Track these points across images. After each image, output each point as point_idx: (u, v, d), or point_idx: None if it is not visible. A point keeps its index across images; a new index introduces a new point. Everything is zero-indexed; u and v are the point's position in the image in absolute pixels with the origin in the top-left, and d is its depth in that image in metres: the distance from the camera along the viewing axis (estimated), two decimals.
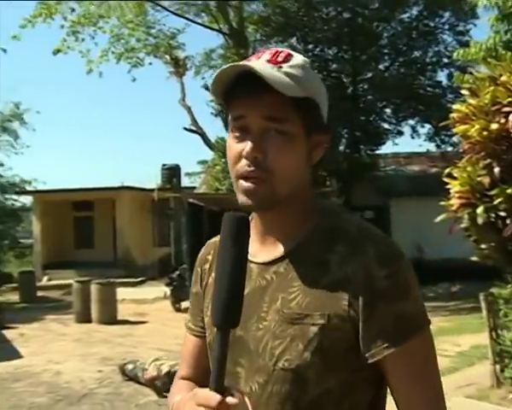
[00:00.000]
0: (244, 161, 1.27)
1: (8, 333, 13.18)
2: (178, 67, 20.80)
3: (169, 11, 19.22)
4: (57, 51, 18.46)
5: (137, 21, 18.27)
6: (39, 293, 20.01)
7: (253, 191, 1.27)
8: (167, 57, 20.37)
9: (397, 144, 28.97)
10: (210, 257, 1.50)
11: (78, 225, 26.25)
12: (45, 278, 23.03)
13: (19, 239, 27.09)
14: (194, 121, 20.69)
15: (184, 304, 14.60)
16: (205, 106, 20.47)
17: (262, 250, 1.37)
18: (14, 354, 11.04)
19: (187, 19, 19.59)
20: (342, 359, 1.25)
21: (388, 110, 21.29)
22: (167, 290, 16.33)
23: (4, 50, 22.93)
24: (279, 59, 1.29)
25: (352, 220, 1.35)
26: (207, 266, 1.50)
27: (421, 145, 32.09)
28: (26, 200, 27.36)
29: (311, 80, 1.32)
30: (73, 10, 18.21)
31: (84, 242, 25.73)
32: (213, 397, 1.12)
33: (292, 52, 1.35)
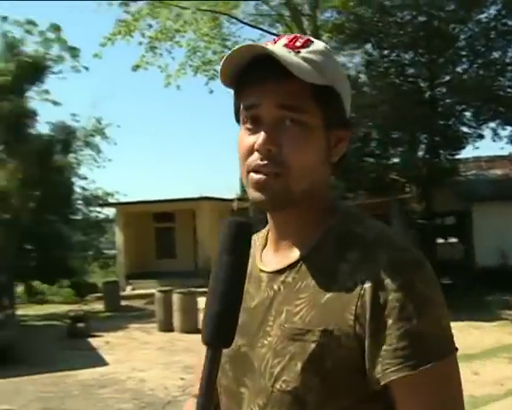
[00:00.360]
0: (256, 155, 1.13)
1: (93, 341, 13.59)
2: None
3: (243, 23, 19.43)
4: (136, 67, 18.99)
5: (213, 34, 18.57)
6: (123, 302, 20.56)
7: (265, 186, 1.12)
8: None
9: (478, 148, 28.26)
10: None
11: (159, 236, 26.83)
12: (128, 288, 23.65)
13: (102, 250, 28.00)
14: None
15: None
16: None
17: (274, 258, 1.23)
18: (99, 361, 11.37)
19: (261, 29, 19.77)
20: (347, 383, 1.07)
21: (468, 113, 20.76)
22: None
23: (86, 68, 23.86)
24: (297, 44, 1.16)
25: (370, 226, 1.16)
26: None
27: (503, 148, 31.11)
28: (109, 212, 28.21)
29: (333, 68, 1.18)
30: (151, 26, 18.71)
31: (166, 252, 26.27)
32: None
33: (312, 38, 1.21)
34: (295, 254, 1.18)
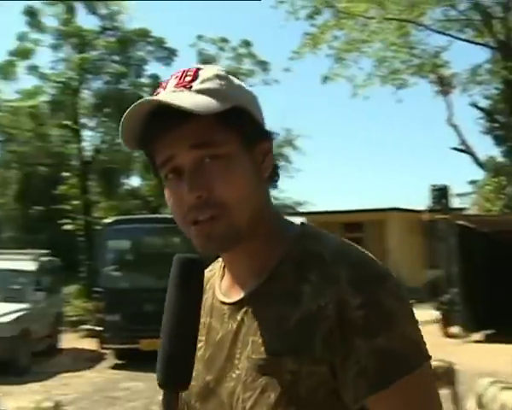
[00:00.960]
0: (188, 207, 1.08)
1: None
2: (444, 85, 20.35)
3: (431, 30, 18.94)
4: (325, 79, 19.32)
5: (400, 43, 18.34)
6: None
7: (208, 233, 1.08)
8: (432, 76, 20.07)
9: None
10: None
11: None
12: None
13: None
14: (463, 140, 20.03)
15: (453, 329, 14.13)
16: (473, 124, 19.78)
17: (234, 288, 1.18)
18: None
19: (450, 36, 19.13)
20: (324, 409, 1.04)
21: None
22: (436, 314, 15.94)
23: (277, 81, 24.71)
24: (187, 78, 1.11)
25: (328, 243, 1.11)
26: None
27: None
28: (299, 221, 28.81)
29: (230, 87, 1.13)
30: (336, 38, 18.93)
31: None
32: None
33: (201, 66, 1.15)
34: (254, 283, 1.13)
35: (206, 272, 1.15)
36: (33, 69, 23.30)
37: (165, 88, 1.12)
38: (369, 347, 1.00)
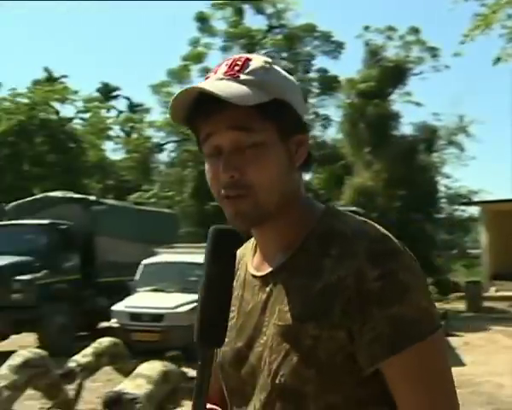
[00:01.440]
0: (222, 183, 1.20)
1: (452, 340, 13.54)
2: None
3: None
4: (497, 60, 18.32)
5: None
6: (486, 303, 19.97)
7: (236, 208, 1.20)
8: None
9: None
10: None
11: None
12: (492, 289, 22.85)
13: (467, 249, 27.54)
14: None
15: None
16: None
17: (264, 263, 1.29)
18: (456, 361, 11.30)
19: None
20: (342, 371, 1.14)
21: None
22: None
23: (447, 67, 23.83)
24: (236, 68, 1.21)
25: (349, 221, 1.22)
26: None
27: None
28: (474, 210, 27.66)
29: (275, 80, 1.22)
30: (510, 16, 17.82)
31: None
32: None
33: (251, 56, 1.25)
34: (282, 258, 1.23)
35: (241, 250, 1.34)
36: (206, 72, 24.37)
37: (215, 73, 1.22)
38: (385, 315, 1.10)
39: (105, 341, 7.93)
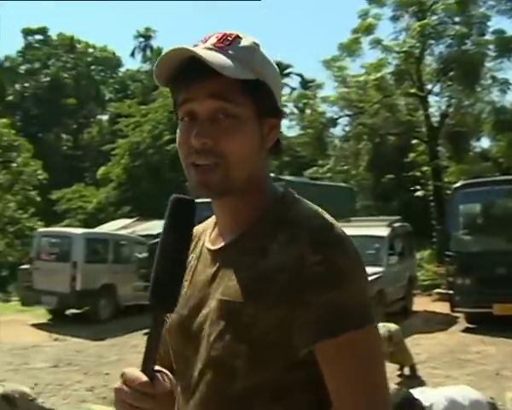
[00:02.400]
0: (193, 149, 1.21)
1: None
2: None
3: None
4: None
5: None
6: None
7: (205, 176, 1.21)
8: None
9: None
10: (192, 245, 1.37)
11: None
12: None
13: None
14: None
15: None
16: None
17: (219, 238, 1.33)
18: None
19: None
20: (274, 351, 1.16)
21: None
22: None
23: None
24: (226, 42, 1.23)
25: (302, 209, 1.25)
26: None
27: None
28: None
29: (260, 62, 1.25)
30: None
31: None
32: (139, 378, 1.15)
33: (241, 34, 1.26)
34: (234, 235, 1.28)
35: (202, 225, 1.43)
36: (376, 43, 24.02)
37: (204, 42, 1.25)
38: (322, 300, 1.13)
39: None
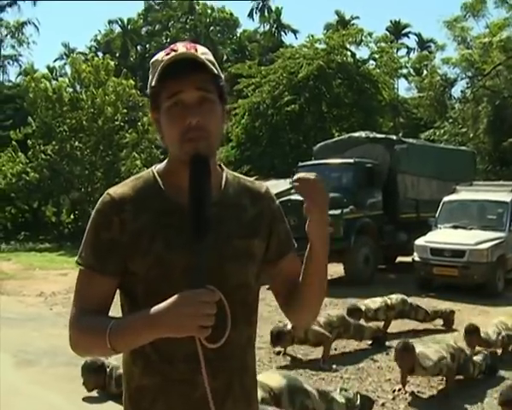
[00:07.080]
0: (189, 126, 1.59)
1: None
2: None
3: None
4: None
5: None
6: None
7: (199, 145, 1.60)
8: None
9: None
10: (128, 208, 1.65)
11: None
12: None
13: None
14: None
15: None
16: None
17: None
18: None
19: None
20: (259, 262, 1.76)
21: None
22: None
23: None
24: (194, 48, 1.64)
25: (239, 175, 1.86)
26: (127, 215, 1.64)
27: None
28: None
29: (215, 62, 1.66)
30: None
31: None
32: (214, 294, 1.49)
33: (197, 45, 1.68)
34: (216, 194, 1.69)
35: (128, 191, 1.72)
36: (502, 1, 23.28)
37: (176, 51, 1.63)
38: (283, 228, 1.85)
39: (396, 297, 8.33)
